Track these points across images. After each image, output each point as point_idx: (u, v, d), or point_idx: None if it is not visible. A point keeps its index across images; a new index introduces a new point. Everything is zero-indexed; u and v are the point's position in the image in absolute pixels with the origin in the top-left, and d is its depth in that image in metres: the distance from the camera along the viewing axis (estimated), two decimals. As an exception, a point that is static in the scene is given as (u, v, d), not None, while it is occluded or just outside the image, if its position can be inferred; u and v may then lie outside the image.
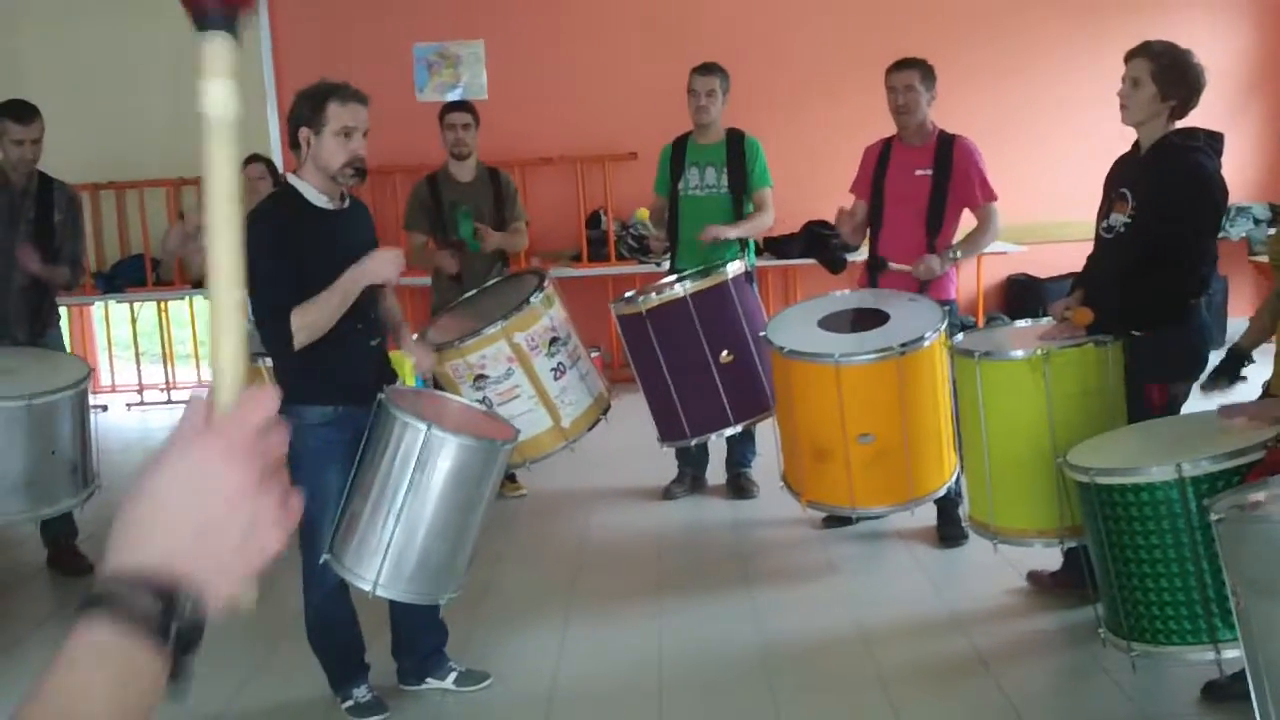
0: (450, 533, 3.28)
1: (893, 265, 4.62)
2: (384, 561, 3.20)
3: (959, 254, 4.62)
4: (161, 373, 8.49)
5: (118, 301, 8.21)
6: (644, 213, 5.40)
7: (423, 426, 3.13)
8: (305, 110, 3.24)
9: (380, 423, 3.22)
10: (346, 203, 3.38)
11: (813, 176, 7.61)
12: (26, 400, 4.31)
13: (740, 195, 5.32)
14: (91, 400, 8.32)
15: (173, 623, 0.82)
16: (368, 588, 3.24)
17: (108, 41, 8.23)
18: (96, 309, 8.60)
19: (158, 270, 8.09)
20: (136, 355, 8.49)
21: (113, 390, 8.71)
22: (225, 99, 0.88)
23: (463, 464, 3.22)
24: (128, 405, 8.36)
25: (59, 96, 8.20)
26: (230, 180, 0.87)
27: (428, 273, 5.75)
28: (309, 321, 3.20)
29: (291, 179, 3.33)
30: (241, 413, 0.86)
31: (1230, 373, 3.67)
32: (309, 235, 3.24)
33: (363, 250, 3.41)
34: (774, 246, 8.15)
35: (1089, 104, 6.97)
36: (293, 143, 3.30)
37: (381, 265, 3.32)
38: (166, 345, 8.42)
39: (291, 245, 3.20)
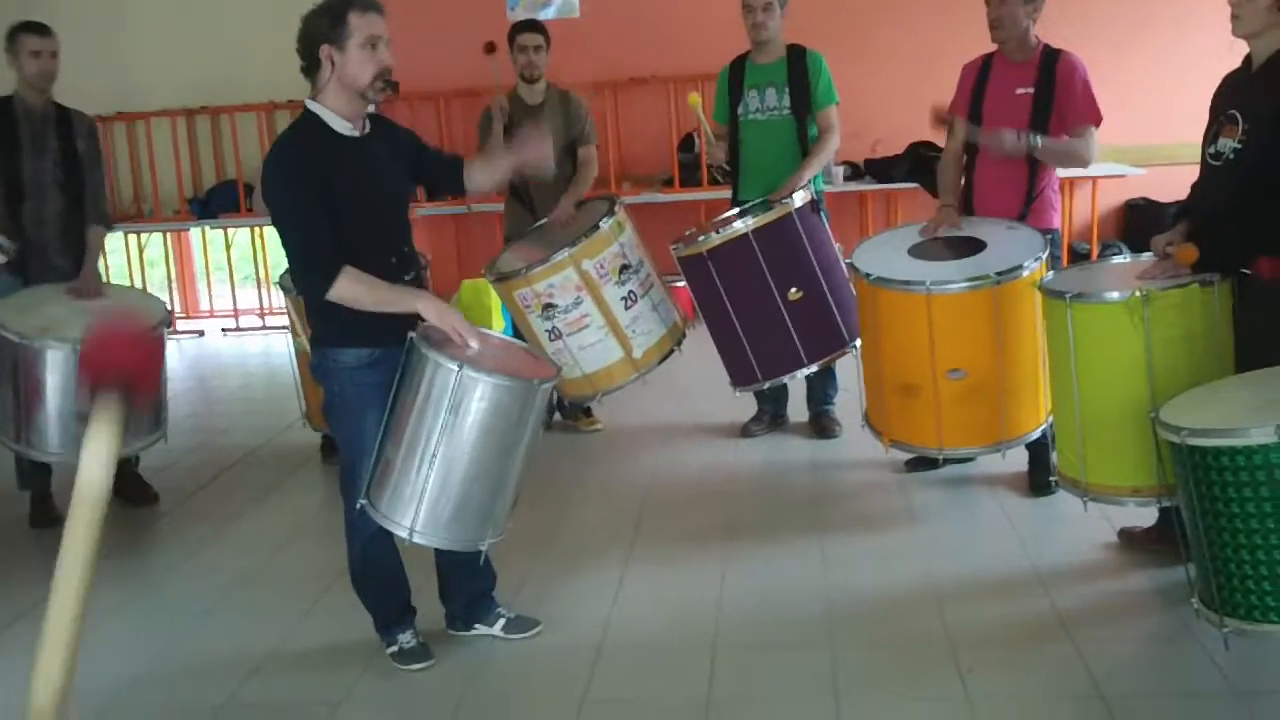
0: (488, 477, 3.12)
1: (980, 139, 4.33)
2: (419, 507, 3.07)
3: (1038, 141, 4.18)
4: (256, 297, 8.56)
5: (212, 227, 8.26)
6: (695, 98, 4.97)
7: (454, 366, 2.97)
8: (323, 26, 3.04)
9: (412, 363, 3.07)
10: (368, 128, 3.19)
11: (919, 95, 7.16)
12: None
13: (804, 116, 4.99)
14: (188, 326, 8.56)
15: None
16: (404, 534, 3.12)
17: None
18: (194, 234, 8.68)
19: (251, 196, 8.10)
20: (231, 280, 8.56)
21: (210, 315, 8.83)
22: (99, 465, 1.07)
23: (498, 405, 3.05)
24: (223, 330, 8.45)
25: (154, 22, 8.26)
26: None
27: (501, 200, 5.60)
28: (353, 296, 3.05)
29: (311, 105, 3.13)
30: None
31: None
32: (336, 164, 3.06)
33: (391, 173, 3.23)
34: (876, 169, 7.80)
35: (1218, 15, 6.43)
36: (309, 66, 3.09)
37: (444, 318, 3.12)
38: (262, 270, 8.46)
39: (319, 179, 3.02)
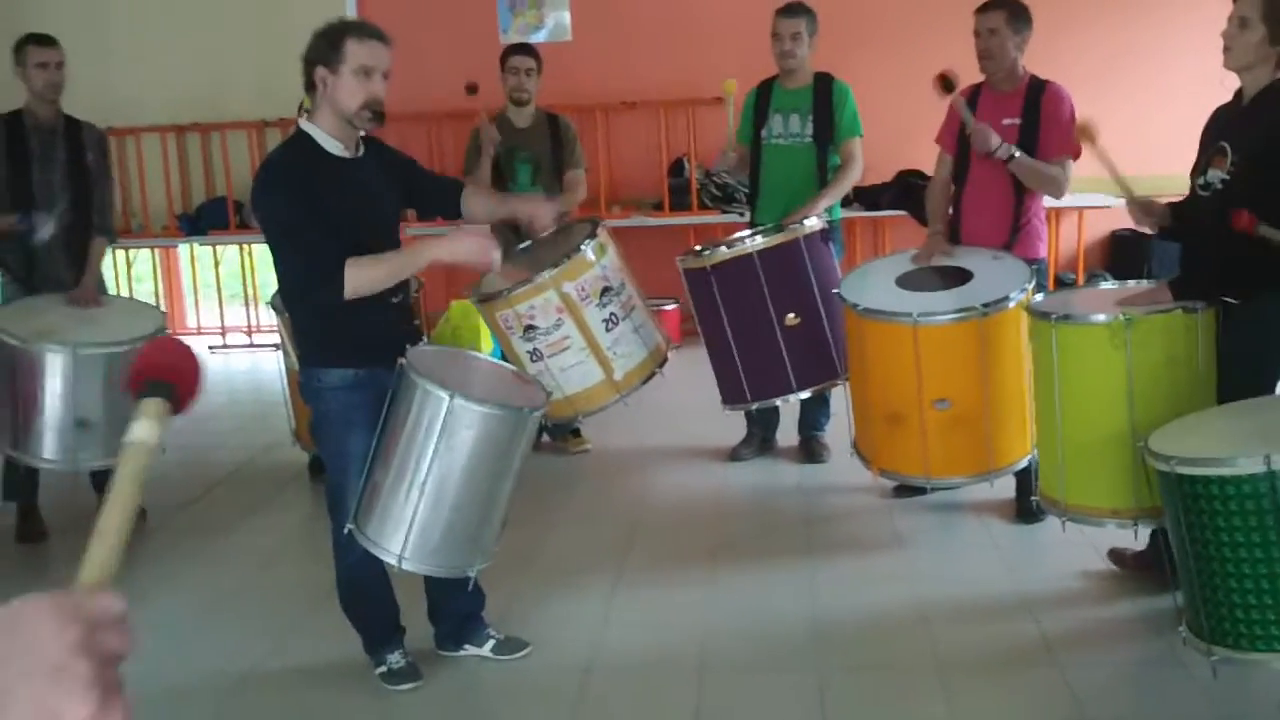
0: (477, 504, 3.13)
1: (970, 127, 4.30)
2: (408, 534, 3.06)
3: (1018, 154, 4.21)
4: (244, 315, 8.54)
5: (201, 244, 8.24)
6: (731, 84, 4.90)
7: (445, 395, 2.97)
8: (322, 48, 3.04)
9: (402, 389, 3.07)
10: (361, 150, 3.20)
11: (907, 122, 7.26)
12: (115, 348, 4.30)
13: (825, 145, 5.04)
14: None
15: None
16: (393, 561, 3.12)
17: (193, -18, 8.22)
18: (182, 251, 8.67)
19: (240, 213, 8.10)
20: (219, 298, 8.55)
21: (197, 333, 8.80)
22: (151, 433, 1.06)
23: (488, 433, 3.06)
24: (210, 348, 8.43)
25: (145, 37, 8.26)
26: (129, 495, 1.03)
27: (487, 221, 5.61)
28: (367, 281, 3.03)
29: (304, 125, 3.14)
30: (93, 597, 0.84)
31: None
32: (325, 183, 3.06)
33: (382, 197, 3.24)
34: (864, 196, 7.85)
35: (1202, 47, 6.53)
36: (308, 84, 3.10)
37: (468, 247, 3.09)
38: (250, 288, 8.45)
39: (310, 193, 3.03)
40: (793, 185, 4.97)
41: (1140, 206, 3.72)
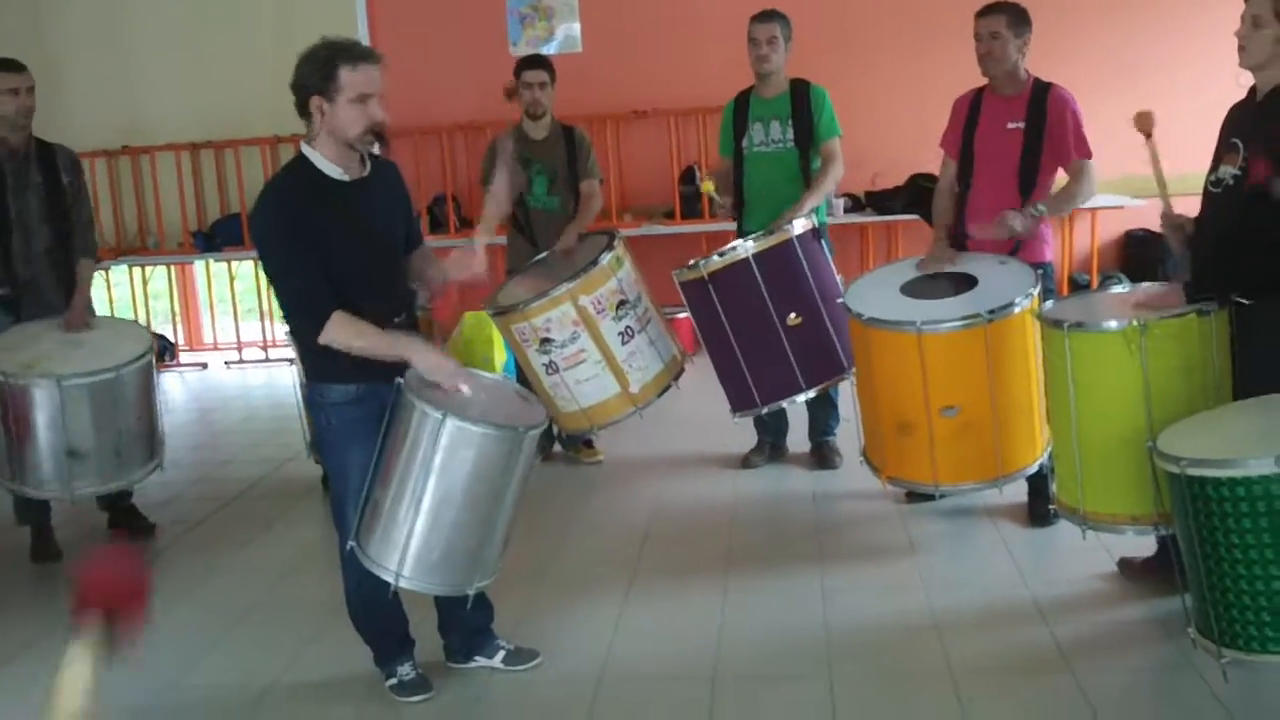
0: (476, 523, 3.12)
1: (974, 233, 4.31)
2: (406, 553, 3.06)
3: (1043, 209, 4.25)
4: (260, 330, 8.59)
5: (216, 260, 8.30)
6: (709, 185, 5.18)
7: (438, 415, 2.97)
8: (313, 77, 3.01)
9: (399, 408, 3.07)
10: (367, 168, 3.21)
11: (918, 128, 7.24)
12: (102, 376, 4.32)
13: (807, 149, 5.05)
14: (191, 358, 8.59)
15: None
16: (390, 579, 3.12)
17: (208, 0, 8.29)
18: (198, 267, 8.73)
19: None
20: (235, 313, 8.60)
21: (214, 348, 8.86)
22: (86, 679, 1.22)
23: (484, 452, 3.05)
24: (226, 363, 8.49)
25: (160, 58, 8.34)
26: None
27: (504, 233, 5.63)
28: (343, 341, 3.06)
29: (305, 150, 3.13)
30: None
31: None
32: (328, 210, 3.07)
33: (387, 216, 3.25)
34: (877, 201, 7.84)
35: (1210, 48, 6.49)
36: (302, 111, 3.08)
37: (434, 369, 3.11)
38: (266, 303, 8.50)
39: (309, 223, 3.04)
40: (778, 191, 5.00)
41: (1172, 224, 3.68)
